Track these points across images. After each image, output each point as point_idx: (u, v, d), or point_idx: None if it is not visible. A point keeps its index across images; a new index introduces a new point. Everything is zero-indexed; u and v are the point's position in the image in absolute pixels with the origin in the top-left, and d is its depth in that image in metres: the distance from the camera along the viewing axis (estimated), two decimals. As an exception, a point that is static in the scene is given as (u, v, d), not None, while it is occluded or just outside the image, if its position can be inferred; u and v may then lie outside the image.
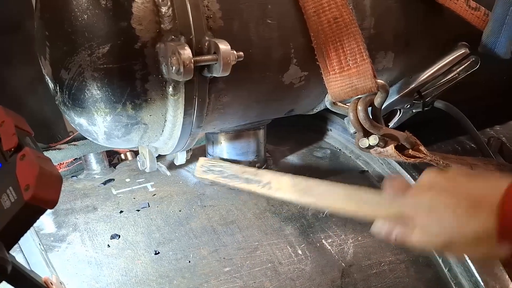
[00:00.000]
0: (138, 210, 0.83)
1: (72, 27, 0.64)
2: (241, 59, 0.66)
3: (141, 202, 0.85)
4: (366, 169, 0.96)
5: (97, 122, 0.70)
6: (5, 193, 0.45)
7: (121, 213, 0.82)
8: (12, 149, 0.49)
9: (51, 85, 0.72)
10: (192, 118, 0.71)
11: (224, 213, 0.83)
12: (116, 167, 0.98)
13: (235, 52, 0.64)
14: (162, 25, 0.64)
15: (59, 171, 0.93)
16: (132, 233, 0.79)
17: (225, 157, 0.91)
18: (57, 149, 0.93)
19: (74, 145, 0.94)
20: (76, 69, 0.65)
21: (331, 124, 1.06)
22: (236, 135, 0.89)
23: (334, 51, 0.73)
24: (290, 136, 1.08)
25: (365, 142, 0.78)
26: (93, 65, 0.64)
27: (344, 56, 0.73)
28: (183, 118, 0.71)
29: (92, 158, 0.95)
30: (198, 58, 0.63)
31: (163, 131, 0.75)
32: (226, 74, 0.65)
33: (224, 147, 0.90)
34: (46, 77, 0.72)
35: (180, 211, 0.83)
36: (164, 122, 0.73)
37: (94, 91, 0.66)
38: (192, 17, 0.65)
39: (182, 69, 0.62)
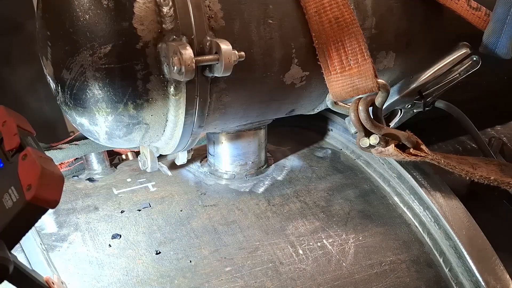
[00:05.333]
0: (139, 210, 0.83)
1: (73, 27, 0.64)
2: (243, 59, 0.66)
3: (142, 202, 0.85)
4: (367, 169, 0.96)
5: (99, 122, 0.70)
6: (7, 193, 0.45)
7: (122, 213, 0.83)
8: (14, 149, 0.49)
9: (52, 85, 0.72)
10: (193, 118, 0.71)
11: (225, 213, 0.83)
12: (117, 167, 0.98)
13: (236, 52, 0.64)
14: (163, 25, 0.64)
15: (61, 171, 0.93)
16: (133, 233, 0.79)
17: (226, 157, 0.91)
18: (58, 148, 0.93)
19: (75, 144, 0.94)
20: (77, 69, 0.65)
21: (332, 124, 1.06)
22: (237, 135, 0.89)
23: (335, 51, 0.74)
24: (291, 136, 1.08)
25: (366, 142, 0.78)
26: (95, 65, 0.64)
27: (345, 56, 0.73)
28: (185, 118, 0.71)
29: (93, 158, 0.95)
30: (199, 58, 0.63)
31: (164, 131, 0.75)
32: (228, 74, 0.65)
33: (225, 147, 0.90)
34: (48, 77, 0.72)
35: (181, 211, 0.83)
36: (166, 122, 0.73)
37: (96, 91, 0.66)
38: (194, 17, 0.65)
39: (183, 69, 0.62)
